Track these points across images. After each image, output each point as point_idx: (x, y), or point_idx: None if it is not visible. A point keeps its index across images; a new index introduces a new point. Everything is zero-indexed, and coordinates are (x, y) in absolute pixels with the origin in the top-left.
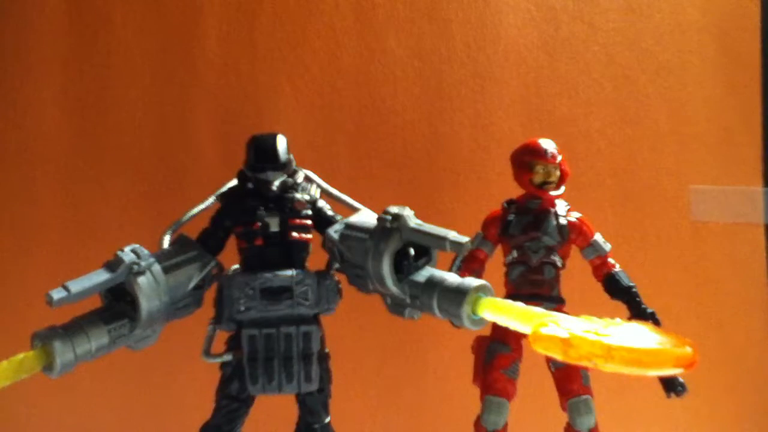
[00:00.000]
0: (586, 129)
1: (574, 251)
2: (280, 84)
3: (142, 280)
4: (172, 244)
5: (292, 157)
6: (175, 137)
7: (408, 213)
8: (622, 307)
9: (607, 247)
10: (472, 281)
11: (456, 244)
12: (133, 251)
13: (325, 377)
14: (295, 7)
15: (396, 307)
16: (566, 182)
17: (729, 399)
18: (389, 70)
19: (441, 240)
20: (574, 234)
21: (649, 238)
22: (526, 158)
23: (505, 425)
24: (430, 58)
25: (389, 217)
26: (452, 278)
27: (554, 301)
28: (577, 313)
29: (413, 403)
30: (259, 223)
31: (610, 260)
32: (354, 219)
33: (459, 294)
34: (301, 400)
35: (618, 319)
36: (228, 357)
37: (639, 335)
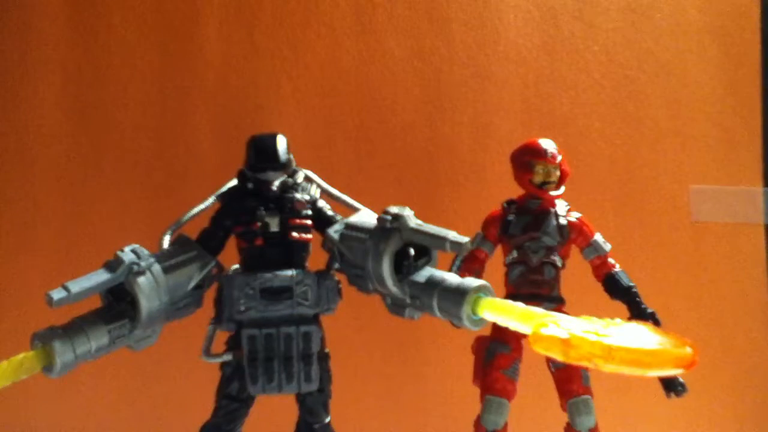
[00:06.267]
0: (586, 129)
1: (574, 251)
2: (280, 84)
3: (142, 280)
4: (172, 244)
5: (292, 157)
6: (175, 137)
7: (408, 213)
8: (622, 307)
9: (607, 247)
10: (472, 281)
11: (456, 244)
12: (133, 251)
13: (325, 377)
14: (295, 7)
15: (396, 307)
16: (566, 182)
17: (729, 399)
18: (389, 70)
19: (441, 240)
20: (574, 234)
21: (649, 238)
22: (526, 158)
23: (505, 425)
24: (430, 58)
25: (389, 217)
26: (452, 278)
27: (554, 301)
28: (577, 313)
29: (413, 403)
30: (259, 223)
31: (610, 260)
32: (354, 219)
33: (459, 294)
34: (301, 400)
35: (618, 320)
36: (228, 357)
37: (639, 335)
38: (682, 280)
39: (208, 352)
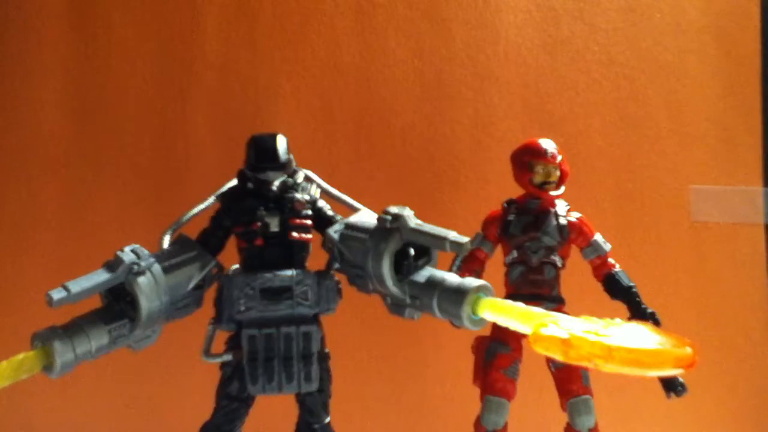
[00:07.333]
0: (586, 129)
1: (574, 251)
2: (280, 84)
3: (142, 280)
4: (172, 244)
5: (292, 157)
6: (175, 137)
7: (408, 213)
8: (622, 307)
9: (607, 247)
10: (472, 281)
11: (456, 244)
12: (133, 251)
13: (325, 377)
14: (295, 7)
15: (396, 307)
16: (566, 182)
17: (729, 399)
18: (389, 70)
19: (441, 240)
20: (574, 234)
21: (649, 238)
22: (526, 158)
23: (505, 425)
24: (430, 58)
25: (389, 217)
26: (452, 278)
27: (554, 301)
28: (577, 313)
29: (413, 403)
30: (259, 223)
31: (610, 260)
32: (354, 219)
33: (459, 294)
34: (301, 400)
35: (618, 320)
36: (228, 357)
37: (639, 335)
38: (682, 280)
39: (208, 352)
